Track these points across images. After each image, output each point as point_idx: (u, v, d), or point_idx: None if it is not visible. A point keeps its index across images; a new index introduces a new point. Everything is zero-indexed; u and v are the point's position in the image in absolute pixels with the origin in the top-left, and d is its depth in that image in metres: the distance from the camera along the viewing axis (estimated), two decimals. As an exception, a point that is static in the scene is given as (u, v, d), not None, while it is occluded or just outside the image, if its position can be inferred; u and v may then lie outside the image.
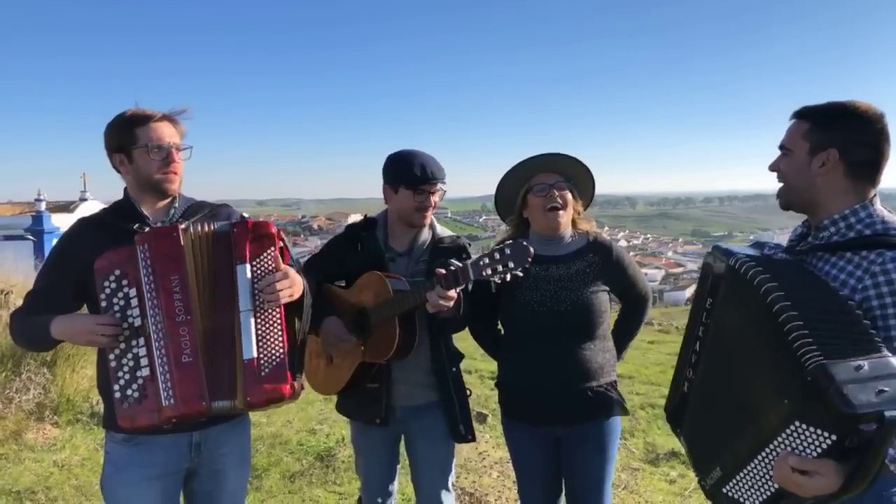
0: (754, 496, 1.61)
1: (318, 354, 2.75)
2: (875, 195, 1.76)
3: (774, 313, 1.51)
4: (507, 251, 2.18)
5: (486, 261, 2.21)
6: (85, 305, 2.22)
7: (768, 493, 1.57)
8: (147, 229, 2.14)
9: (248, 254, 2.08)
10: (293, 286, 2.13)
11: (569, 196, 2.53)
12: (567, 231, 2.59)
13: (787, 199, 1.86)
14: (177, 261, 2.04)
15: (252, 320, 2.05)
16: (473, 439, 2.71)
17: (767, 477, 1.55)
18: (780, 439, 1.48)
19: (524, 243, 2.19)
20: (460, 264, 2.25)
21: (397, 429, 2.69)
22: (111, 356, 2.04)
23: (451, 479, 2.74)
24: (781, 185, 1.86)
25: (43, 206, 25.80)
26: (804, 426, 1.42)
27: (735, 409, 1.68)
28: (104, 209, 2.32)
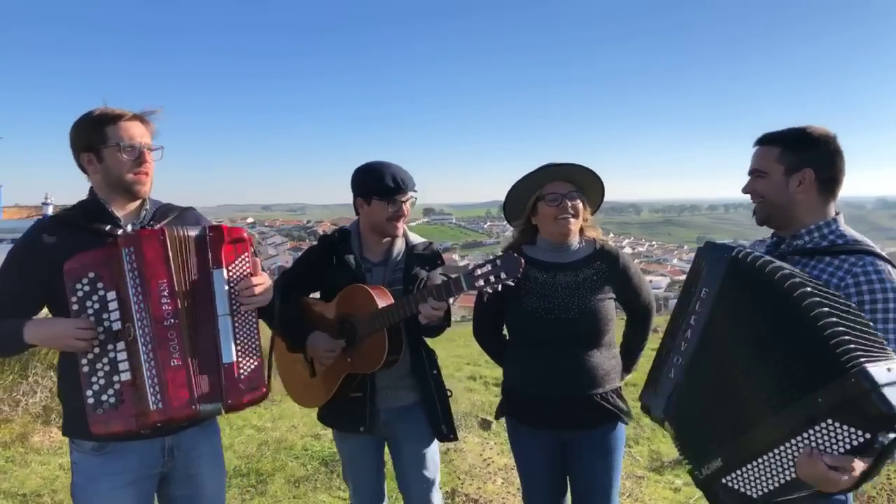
0: (759, 486, 1.64)
1: (300, 368, 2.77)
2: (839, 213, 2.02)
3: (803, 308, 1.56)
4: (499, 263, 2.21)
5: (479, 272, 2.23)
6: (46, 308, 2.15)
7: (776, 484, 1.60)
8: (129, 231, 2.12)
9: (223, 258, 2.10)
10: (266, 291, 2.16)
11: (580, 206, 2.54)
12: (575, 239, 2.60)
13: (767, 216, 2.09)
14: (164, 264, 2.01)
15: (230, 324, 2.08)
16: (455, 438, 2.74)
17: (780, 469, 1.59)
18: (806, 435, 1.53)
19: (516, 255, 2.22)
20: (453, 276, 2.31)
21: (381, 430, 2.70)
22: (83, 361, 1.99)
23: (438, 479, 2.76)
24: (759, 203, 2.10)
25: (50, 209, 25.93)
26: (837, 424, 1.48)
27: (738, 402, 1.70)
28: (67, 209, 2.22)
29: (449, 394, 2.75)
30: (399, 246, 2.74)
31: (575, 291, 2.51)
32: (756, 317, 1.70)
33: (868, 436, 1.46)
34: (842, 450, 1.49)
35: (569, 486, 2.65)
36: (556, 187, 2.52)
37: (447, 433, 2.69)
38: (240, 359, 2.08)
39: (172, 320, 2.00)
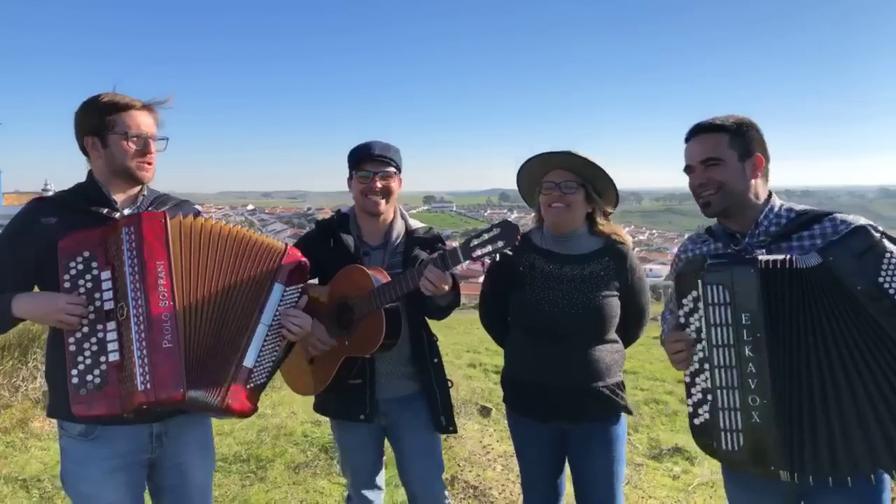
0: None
1: (298, 355, 2.68)
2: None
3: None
4: (497, 230, 2.15)
5: (476, 241, 2.18)
6: (36, 287, 2.14)
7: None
8: (126, 213, 2.14)
9: (286, 279, 2.20)
10: (305, 330, 2.22)
11: (575, 197, 2.48)
12: (581, 231, 2.56)
13: (726, 205, 2.06)
14: (164, 246, 2.02)
15: (265, 335, 2.14)
16: (455, 431, 2.67)
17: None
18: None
19: (513, 222, 2.17)
20: (451, 246, 2.26)
21: (381, 420, 2.65)
22: (70, 339, 1.98)
23: (441, 470, 2.71)
24: (715, 193, 2.05)
25: (51, 195, 25.88)
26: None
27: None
28: (63, 191, 2.23)
29: (450, 384, 2.70)
30: (398, 229, 2.69)
31: (580, 285, 2.48)
32: (814, 304, 1.79)
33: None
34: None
35: (571, 477, 2.64)
36: (554, 175, 2.49)
37: (446, 425, 2.62)
38: (255, 368, 2.11)
39: (168, 302, 1.99)
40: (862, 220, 1.89)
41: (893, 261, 1.70)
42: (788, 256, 1.83)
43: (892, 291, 1.69)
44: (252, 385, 2.10)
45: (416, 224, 2.75)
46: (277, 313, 2.16)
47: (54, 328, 2.08)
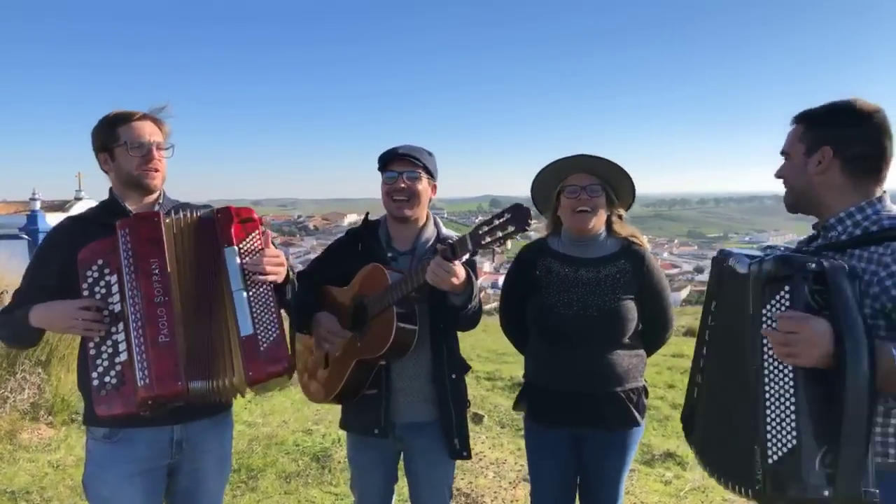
0: (788, 428, 1.54)
1: (313, 361, 2.65)
2: (884, 192, 1.76)
3: None
4: (507, 215, 2.06)
5: (485, 228, 2.08)
6: None
7: (793, 413, 1.53)
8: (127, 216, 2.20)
9: (233, 237, 2.16)
10: (280, 265, 2.19)
11: (601, 200, 2.47)
12: (600, 234, 2.55)
13: (792, 202, 1.90)
14: (157, 245, 2.08)
15: (245, 298, 2.11)
16: (469, 456, 2.55)
17: (782, 392, 1.56)
18: (764, 340, 1.59)
19: (524, 206, 2.08)
20: (459, 237, 2.18)
21: (396, 445, 2.59)
22: (91, 345, 2.06)
23: (451, 499, 2.66)
24: (786, 188, 1.90)
25: (38, 205, 25.69)
26: (768, 306, 1.59)
27: (741, 401, 1.68)
28: (91, 208, 2.37)
29: (468, 405, 2.61)
30: (428, 234, 2.61)
31: (596, 288, 2.46)
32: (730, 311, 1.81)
33: (787, 287, 1.55)
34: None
35: (579, 476, 2.63)
36: (578, 179, 2.46)
37: (460, 449, 2.51)
38: (259, 331, 2.08)
39: (163, 298, 2.04)
40: None
41: (784, 296, 1.57)
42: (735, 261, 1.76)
43: (764, 319, 1.60)
44: (265, 346, 2.06)
45: (448, 232, 2.66)
46: (245, 273, 2.12)
47: (84, 338, 2.14)
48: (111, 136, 2.20)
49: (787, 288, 1.57)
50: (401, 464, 2.70)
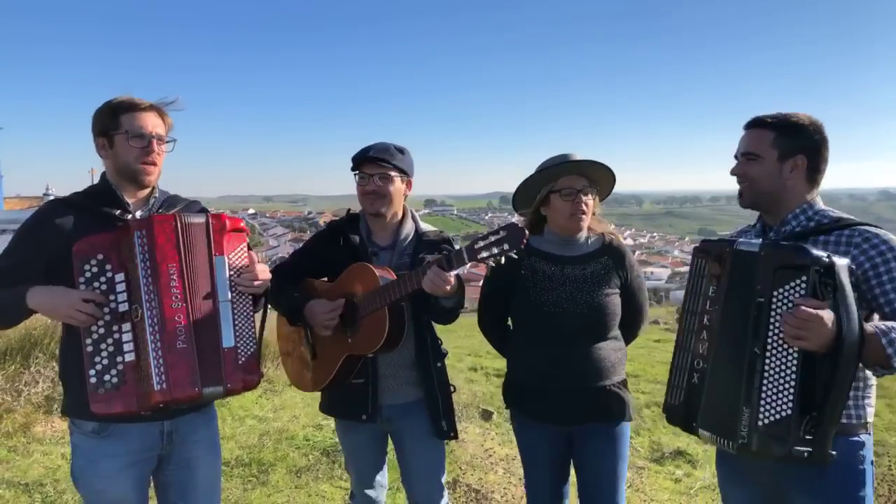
0: (784, 399, 1.76)
1: (301, 352, 2.72)
2: (818, 194, 2.09)
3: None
4: (502, 232, 2.15)
5: (481, 243, 2.17)
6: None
7: (792, 386, 1.75)
8: (139, 215, 2.20)
9: (224, 247, 2.17)
10: (264, 280, 2.22)
11: (591, 201, 2.52)
12: (583, 232, 2.58)
13: (754, 200, 2.12)
14: (175, 249, 2.08)
15: (230, 311, 2.14)
16: (455, 437, 2.65)
17: (784, 367, 1.76)
18: (771, 319, 1.78)
19: (519, 225, 2.17)
20: (455, 249, 2.25)
21: (385, 427, 2.67)
22: (87, 340, 2.04)
23: (444, 477, 2.71)
24: (746, 186, 2.11)
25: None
26: (781, 289, 1.77)
27: (741, 372, 1.84)
28: (77, 193, 2.27)
29: (452, 389, 2.69)
30: (407, 230, 2.68)
31: (583, 285, 2.50)
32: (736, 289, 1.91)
33: (804, 277, 1.73)
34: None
35: (575, 476, 2.65)
36: (571, 181, 2.49)
37: (447, 430, 2.61)
38: (238, 343, 2.14)
39: (181, 304, 2.06)
40: (888, 236, 1.92)
41: (801, 284, 1.75)
42: (737, 239, 1.99)
43: (774, 301, 1.79)
44: (243, 360, 2.14)
45: (426, 227, 2.74)
46: (233, 284, 2.16)
47: (69, 329, 2.13)
48: (112, 123, 2.15)
49: (803, 278, 1.75)
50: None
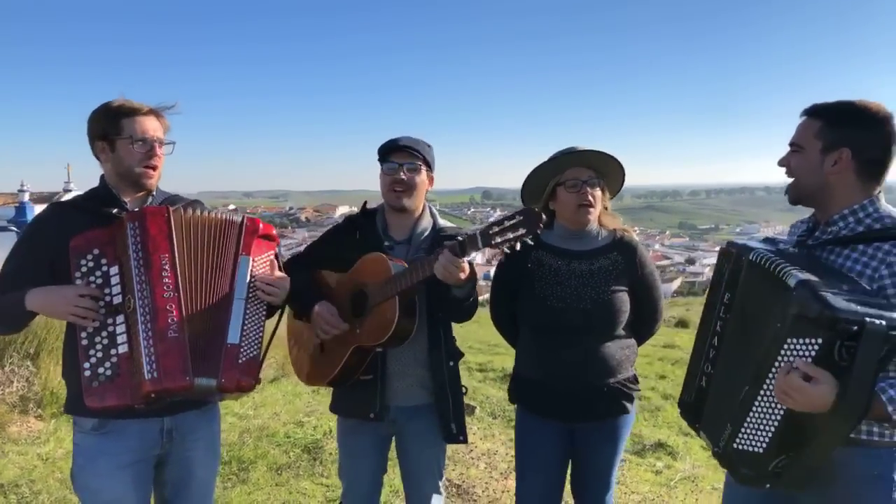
0: (761, 438, 1.71)
1: (308, 342, 2.65)
2: (880, 191, 1.85)
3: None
4: (518, 217, 2.03)
5: (496, 228, 2.06)
6: None
7: (772, 431, 1.69)
8: (136, 209, 2.20)
9: (252, 248, 2.23)
10: (283, 291, 2.26)
11: (598, 194, 2.48)
12: (593, 227, 2.54)
13: (798, 195, 1.94)
14: (167, 240, 2.09)
15: (243, 309, 2.17)
16: (465, 440, 2.57)
17: (770, 412, 1.69)
18: (776, 364, 1.64)
19: (535, 209, 2.05)
20: (469, 234, 2.15)
21: (390, 429, 2.60)
22: (83, 334, 2.05)
23: (442, 481, 2.67)
24: (792, 180, 1.93)
25: (26, 196, 25.53)
26: (794, 340, 1.60)
27: (745, 381, 1.77)
28: (79, 196, 2.34)
29: (464, 391, 2.61)
30: (424, 225, 2.62)
31: (589, 280, 2.46)
32: (769, 312, 1.74)
33: (821, 340, 1.55)
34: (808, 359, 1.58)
35: (571, 468, 2.64)
36: (577, 173, 2.45)
37: (456, 433, 2.53)
38: (242, 343, 2.14)
39: (172, 293, 2.06)
40: None
41: (813, 345, 1.57)
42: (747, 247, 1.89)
43: (785, 347, 1.63)
44: (243, 360, 2.13)
45: (444, 223, 2.69)
46: (251, 285, 2.19)
47: (70, 327, 2.14)
48: (114, 127, 2.17)
49: (819, 341, 1.57)
50: (392, 456, 2.70)
